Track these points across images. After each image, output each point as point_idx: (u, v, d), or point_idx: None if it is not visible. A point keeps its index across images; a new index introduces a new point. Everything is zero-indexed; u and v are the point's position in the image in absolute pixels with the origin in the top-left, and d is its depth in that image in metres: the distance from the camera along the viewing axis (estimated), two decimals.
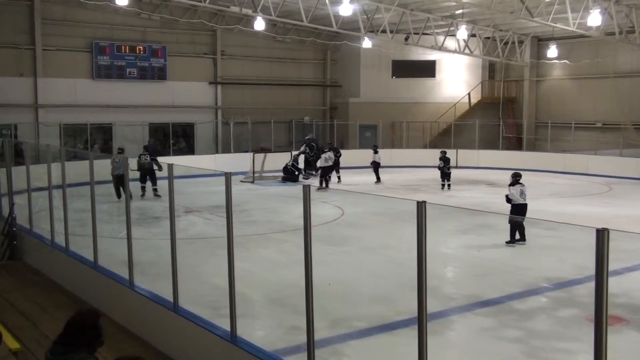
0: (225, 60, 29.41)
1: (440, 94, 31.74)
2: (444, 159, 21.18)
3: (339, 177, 23.75)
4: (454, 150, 29.18)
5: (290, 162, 24.03)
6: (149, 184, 19.24)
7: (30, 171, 12.06)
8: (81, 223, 10.92)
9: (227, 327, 6.38)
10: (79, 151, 21.70)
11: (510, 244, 12.78)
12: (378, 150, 24.37)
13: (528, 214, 13.14)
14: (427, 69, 31.55)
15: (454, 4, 23.85)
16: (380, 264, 11.61)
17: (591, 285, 3.59)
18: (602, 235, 3.42)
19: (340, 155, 24.23)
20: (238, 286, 6.38)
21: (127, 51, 26.61)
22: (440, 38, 27.64)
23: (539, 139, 30.75)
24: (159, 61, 27.34)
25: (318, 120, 31.88)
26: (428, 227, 4.39)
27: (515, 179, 13.36)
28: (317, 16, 24.08)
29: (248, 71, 29.94)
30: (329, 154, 22.36)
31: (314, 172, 24.94)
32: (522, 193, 13.15)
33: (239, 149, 27.84)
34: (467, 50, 28.77)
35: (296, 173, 23.75)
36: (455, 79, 31.95)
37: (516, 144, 31.32)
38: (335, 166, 23.78)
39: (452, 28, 26.71)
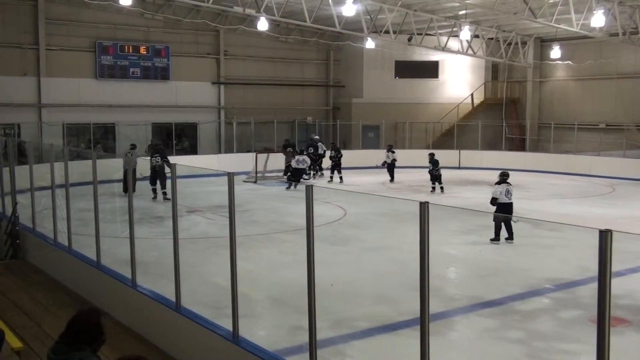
0: (228, 60, 29.43)
1: (443, 94, 31.71)
2: (433, 162, 21.05)
3: (340, 178, 23.76)
4: (457, 151, 29.26)
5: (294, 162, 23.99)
6: (159, 185, 19.15)
7: (34, 170, 12.09)
8: (84, 222, 10.92)
9: (230, 327, 6.38)
10: (82, 150, 21.70)
11: (495, 242, 12.96)
12: (394, 150, 24.45)
13: (529, 215, 13.17)
14: (430, 70, 31.53)
15: (458, 4, 23.83)
16: (382, 264, 11.61)
17: (594, 286, 3.58)
18: (605, 237, 3.41)
19: (342, 155, 24.25)
20: (240, 286, 6.38)
21: (131, 51, 26.65)
22: (444, 39, 27.61)
23: (542, 140, 30.71)
24: (162, 61, 27.38)
25: (321, 120, 31.89)
26: (430, 227, 4.38)
27: (502, 178, 13.50)
28: (320, 16, 24.09)
29: (251, 71, 29.96)
30: (304, 157, 22.69)
31: (319, 173, 25.04)
32: (507, 192, 13.31)
33: (241, 149, 27.85)
34: (470, 51, 28.73)
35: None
36: (458, 79, 31.92)
37: (519, 145, 31.27)
38: (336, 167, 23.90)
39: (455, 29, 26.69)
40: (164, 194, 18.55)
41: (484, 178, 24.81)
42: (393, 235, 14.05)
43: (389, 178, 23.86)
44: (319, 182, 23.43)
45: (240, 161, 24.76)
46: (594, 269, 3.55)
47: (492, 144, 30.15)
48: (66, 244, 10.33)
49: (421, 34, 26.69)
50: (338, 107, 32.64)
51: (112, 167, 18.08)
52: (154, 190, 19.03)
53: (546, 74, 31.43)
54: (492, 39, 29.39)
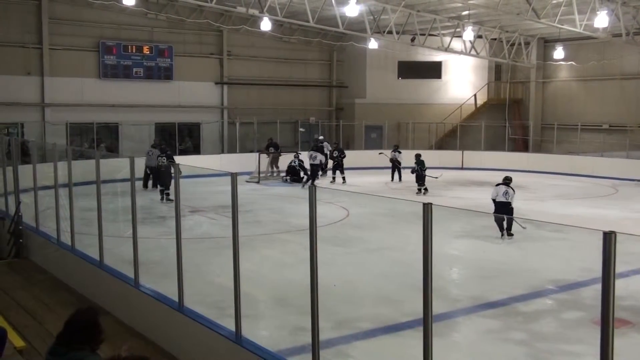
0: (232, 61, 29.45)
1: (446, 95, 31.68)
2: (419, 162, 20.99)
3: (343, 178, 23.76)
4: (460, 152, 29.24)
5: (297, 162, 24.01)
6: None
7: (37, 170, 12.11)
8: (87, 222, 10.95)
9: (232, 327, 6.38)
10: (85, 150, 21.73)
11: (502, 238, 13.38)
12: (400, 150, 24.50)
13: (533, 216, 13.25)
14: (433, 70, 31.50)
15: (461, 5, 23.82)
16: (385, 265, 11.60)
17: (597, 287, 3.58)
18: (609, 238, 3.40)
19: (345, 156, 24.24)
20: (243, 286, 6.37)
21: (134, 51, 26.67)
22: (447, 39, 27.61)
23: (545, 141, 30.66)
24: (166, 61, 27.40)
25: (324, 120, 31.87)
26: (433, 228, 4.38)
27: (505, 182, 13.93)
28: (323, 17, 24.09)
29: (254, 71, 29.96)
30: (316, 153, 22.82)
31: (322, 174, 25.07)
32: (506, 193, 13.65)
33: (244, 149, 27.86)
34: (473, 52, 28.72)
35: (302, 174, 23.69)
36: (462, 80, 31.88)
37: (522, 146, 31.23)
38: (339, 167, 23.89)
39: (458, 29, 26.67)
40: (167, 194, 18.57)
41: (487, 179, 24.76)
42: (396, 236, 14.03)
43: (392, 178, 23.87)
44: (322, 183, 23.43)
45: (243, 161, 24.79)
46: (597, 270, 3.54)
47: (495, 145, 30.10)
48: (69, 243, 10.34)
49: (424, 35, 26.68)
50: (341, 108, 32.63)
51: (115, 166, 18.11)
52: (162, 192, 19.01)
53: (549, 74, 31.38)
54: (495, 39, 29.36)
